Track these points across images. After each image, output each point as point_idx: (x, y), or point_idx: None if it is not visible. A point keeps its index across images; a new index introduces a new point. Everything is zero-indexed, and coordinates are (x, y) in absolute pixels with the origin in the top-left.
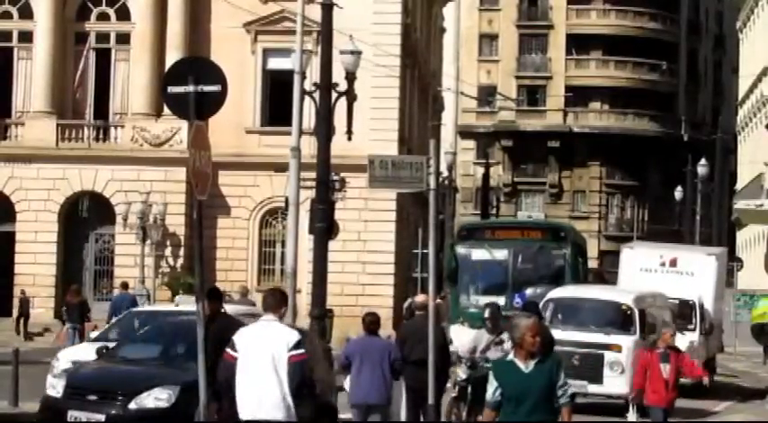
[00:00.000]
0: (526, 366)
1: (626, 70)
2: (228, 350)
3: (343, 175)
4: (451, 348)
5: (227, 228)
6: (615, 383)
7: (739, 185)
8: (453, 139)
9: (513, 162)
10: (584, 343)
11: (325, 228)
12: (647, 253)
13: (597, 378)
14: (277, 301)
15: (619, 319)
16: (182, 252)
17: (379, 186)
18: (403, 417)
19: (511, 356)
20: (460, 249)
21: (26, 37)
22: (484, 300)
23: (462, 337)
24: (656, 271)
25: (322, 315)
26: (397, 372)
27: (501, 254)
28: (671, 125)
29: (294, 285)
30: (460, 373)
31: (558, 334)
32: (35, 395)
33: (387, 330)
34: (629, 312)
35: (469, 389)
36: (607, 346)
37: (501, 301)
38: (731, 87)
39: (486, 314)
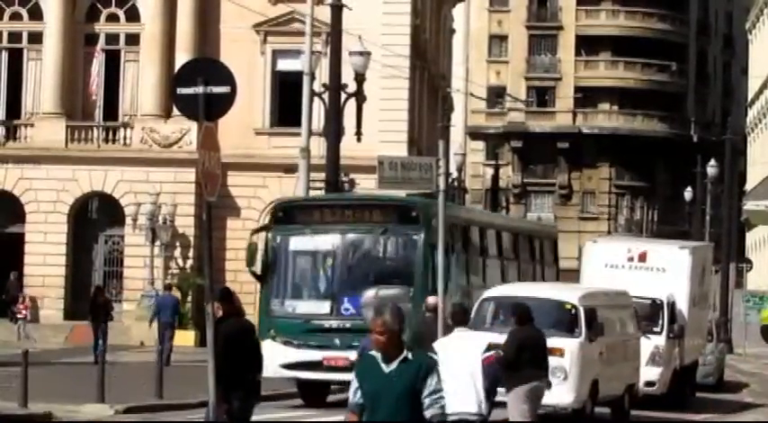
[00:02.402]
0: (388, 365)
1: (635, 71)
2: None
3: (352, 175)
4: None
5: (237, 229)
6: (558, 392)
7: (749, 186)
8: (463, 140)
9: (523, 163)
10: None
11: None
12: (613, 247)
13: None
14: (464, 316)
15: (562, 319)
16: (191, 253)
17: (388, 187)
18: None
19: (375, 351)
20: (274, 236)
21: (36, 38)
22: (304, 306)
23: None
24: (623, 267)
25: None
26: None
27: (327, 242)
28: (680, 126)
29: None
30: None
31: (497, 338)
32: (44, 396)
33: None
34: (573, 312)
35: None
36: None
37: (325, 307)
38: (740, 88)
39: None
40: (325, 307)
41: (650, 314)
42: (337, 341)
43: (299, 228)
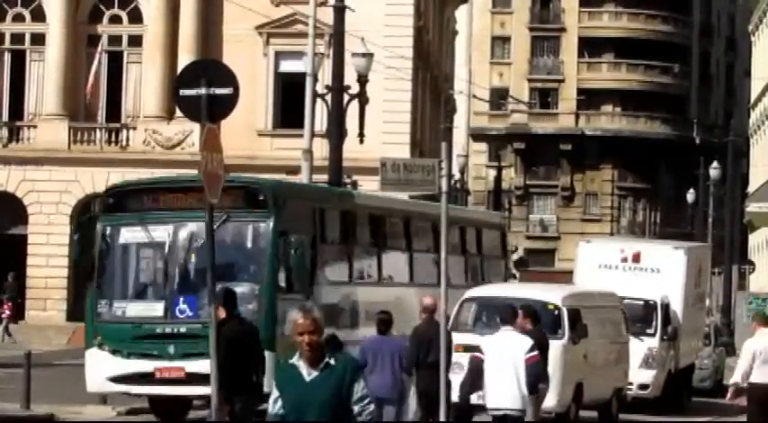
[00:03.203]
0: (309, 373)
1: (638, 73)
2: (477, 353)
3: (355, 177)
4: None
5: None
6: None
7: (751, 188)
8: (465, 141)
9: (525, 165)
10: None
11: None
12: (606, 247)
13: None
14: (512, 316)
15: (545, 320)
16: None
17: (390, 189)
18: (412, 412)
19: (296, 358)
20: (102, 227)
21: (38, 39)
22: (133, 309)
23: None
24: (617, 267)
25: None
26: (407, 369)
27: (160, 233)
28: (683, 128)
29: None
30: None
31: (478, 340)
32: (47, 397)
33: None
34: (556, 312)
35: None
36: None
37: (158, 309)
38: (743, 90)
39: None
40: (157, 309)
41: (644, 316)
42: (171, 349)
43: (129, 216)
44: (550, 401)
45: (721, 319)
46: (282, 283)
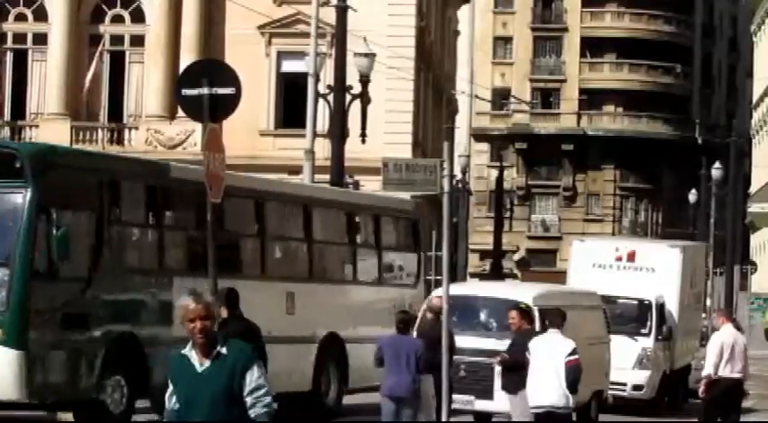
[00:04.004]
0: (201, 364)
1: (640, 73)
2: (526, 353)
3: (356, 177)
4: None
5: None
6: (504, 399)
7: (753, 188)
8: (467, 141)
9: (527, 165)
10: (471, 350)
11: None
12: (600, 247)
13: (486, 392)
14: (560, 320)
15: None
16: None
17: (392, 189)
18: (429, 412)
19: (188, 348)
20: None
21: (41, 39)
22: None
23: None
24: (611, 267)
25: None
26: (425, 369)
27: None
28: (685, 128)
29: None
30: None
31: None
32: None
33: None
34: (527, 312)
35: None
36: (498, 354)
37: None
38: (745, 90)
39: None
40: None
41: (638, 316)
42: None
43: None
44: None
45: None
46: (42, 269)
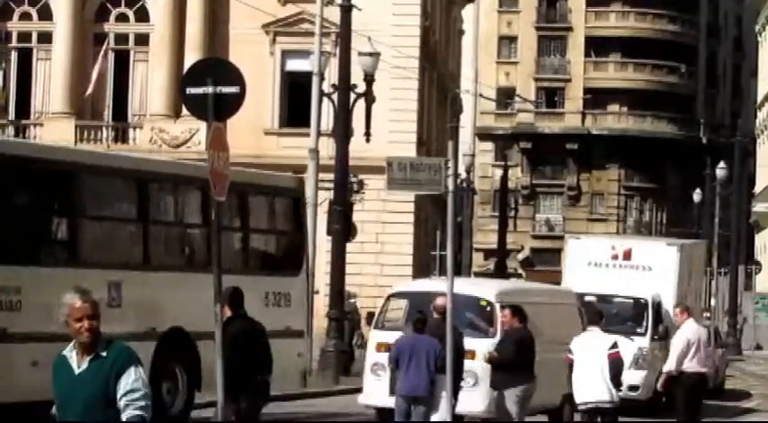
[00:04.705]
0: (79, 365)
1: (645, 73)
2: (567, 354)
3: (361, 176)
4: None
5: None
6: (467, 399)
7: (758, 188)
8: (472, 141)
9: (532, 164)
10: None
11: (342, 229)
12: (596, 245)
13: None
14: (598, 317)
15: (476, 317)
16: None
17: (397, 188)
18: (444, 412)
19: (69, 348)
20: None
21: (45, 38)
22: None
23: None
24: (607, 265)
25: (340, 317)
26: (441, 368)
27: None
28: (690, 128)
29: (312, 287)
30: None
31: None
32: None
33: None
34: (488, 309)
35: None
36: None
37: None
38: (750, 90)
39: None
40: None
41: (634, 315)
42: None
43: None
44: (479, 406)
45: (728, 320)
46: None
